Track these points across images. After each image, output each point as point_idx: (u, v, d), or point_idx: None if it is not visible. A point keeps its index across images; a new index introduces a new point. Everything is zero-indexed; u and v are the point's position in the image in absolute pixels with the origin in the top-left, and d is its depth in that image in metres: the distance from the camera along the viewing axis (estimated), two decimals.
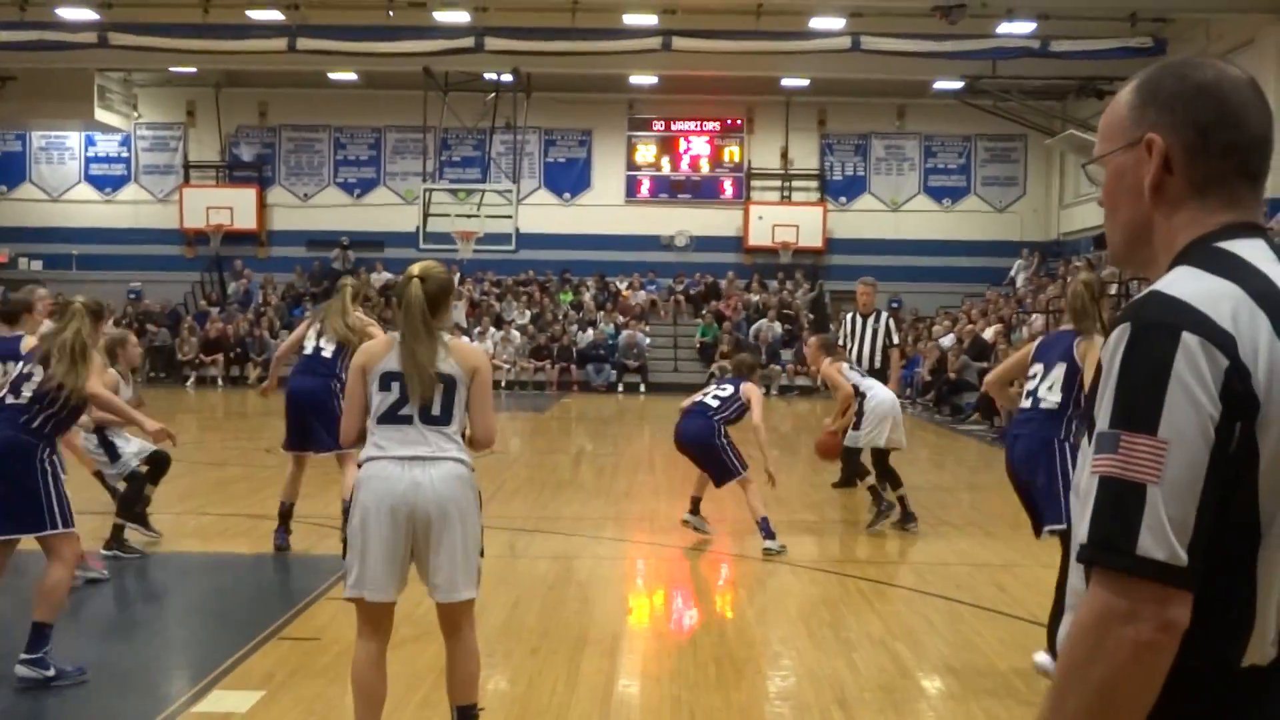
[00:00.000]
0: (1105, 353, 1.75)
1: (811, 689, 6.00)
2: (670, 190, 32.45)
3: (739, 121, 32.29)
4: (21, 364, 6.29)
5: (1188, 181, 1.83)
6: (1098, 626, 1.65)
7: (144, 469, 9.12)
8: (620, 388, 28.31)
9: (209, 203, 31.64)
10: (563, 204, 32.30)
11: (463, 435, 4.75)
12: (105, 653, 6.88)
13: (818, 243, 31.58)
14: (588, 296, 31.07)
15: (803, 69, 26.47)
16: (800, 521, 10.85)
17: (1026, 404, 6.48)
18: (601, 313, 30.36)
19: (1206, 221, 1.83)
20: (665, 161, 32.43)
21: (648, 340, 29.60)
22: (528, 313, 30.14)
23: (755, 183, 32.37)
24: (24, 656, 5.80)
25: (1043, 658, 6.11)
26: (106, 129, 31.02)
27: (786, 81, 29.19)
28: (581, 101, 31.23)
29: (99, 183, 32.56)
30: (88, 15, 22.13)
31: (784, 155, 32.32)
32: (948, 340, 25.14)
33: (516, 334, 29.04)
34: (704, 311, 30.52)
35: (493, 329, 28.57)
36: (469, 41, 21.82)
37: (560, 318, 30.01)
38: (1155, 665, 1.64)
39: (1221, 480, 1.65)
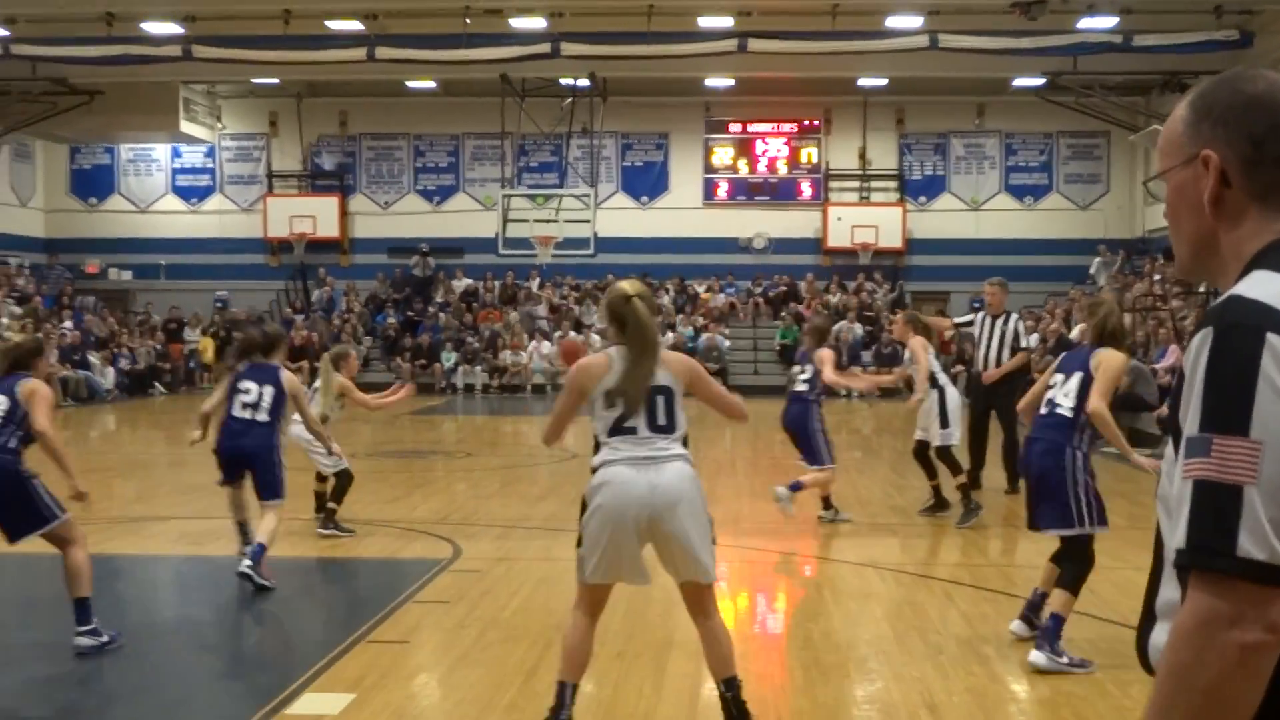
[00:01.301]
0: (1188, 359, 1.74)
1: (899, 692, 5.95)
2: (748, 192, 32.37)
3: (816, 122, 32.13)
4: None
5: (1247, 193, 1.84)
6: (1201, 631, 1.63)
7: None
8: None
9: (292, 212, 32.08)
10: (640, 207, 32.34)
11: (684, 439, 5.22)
12: (199, 654, 7.01)
13: (897, 243, 31.34)
14: (666, 299, 31.08)
15: (880, 68, 26.31)
16: (884, 524, 10.78)
17: (1044, 410, 6.72)
18: (680, 316, 30.36)
19: (1273, 229, 1.83)
20: (742, 164, 32.35)
21: (727, 343, 29.56)
22: None
23: (833, 184, 32.19)
24: (80, 629, 6.42)
25: (1017, 625, 6.80)
26: (192, 140, 31.54)
27: (864, 81, 29.01)
28: (658, 105, 31.25)
29: (185, 193, 33.16)
30: (173, 29, 22.57)
31: (862, 155, 32.11)
32: (1032, 340, 24.79)
33: (596, 338, 29.10)
34: (783, 314, 30.40)
35: (572, 333, 28.68)
36: (545, 47, 21.93)
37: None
38: (1262, 667, 1.62)
39: None
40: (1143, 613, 1.91)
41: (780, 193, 32.30)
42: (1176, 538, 1.68)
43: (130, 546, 9.94)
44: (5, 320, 25.70)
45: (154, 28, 22.65)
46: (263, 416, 8.33)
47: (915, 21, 21.97)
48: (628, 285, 5.18)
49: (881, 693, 6.00)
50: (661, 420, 5.06)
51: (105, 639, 6.47)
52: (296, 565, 9.44)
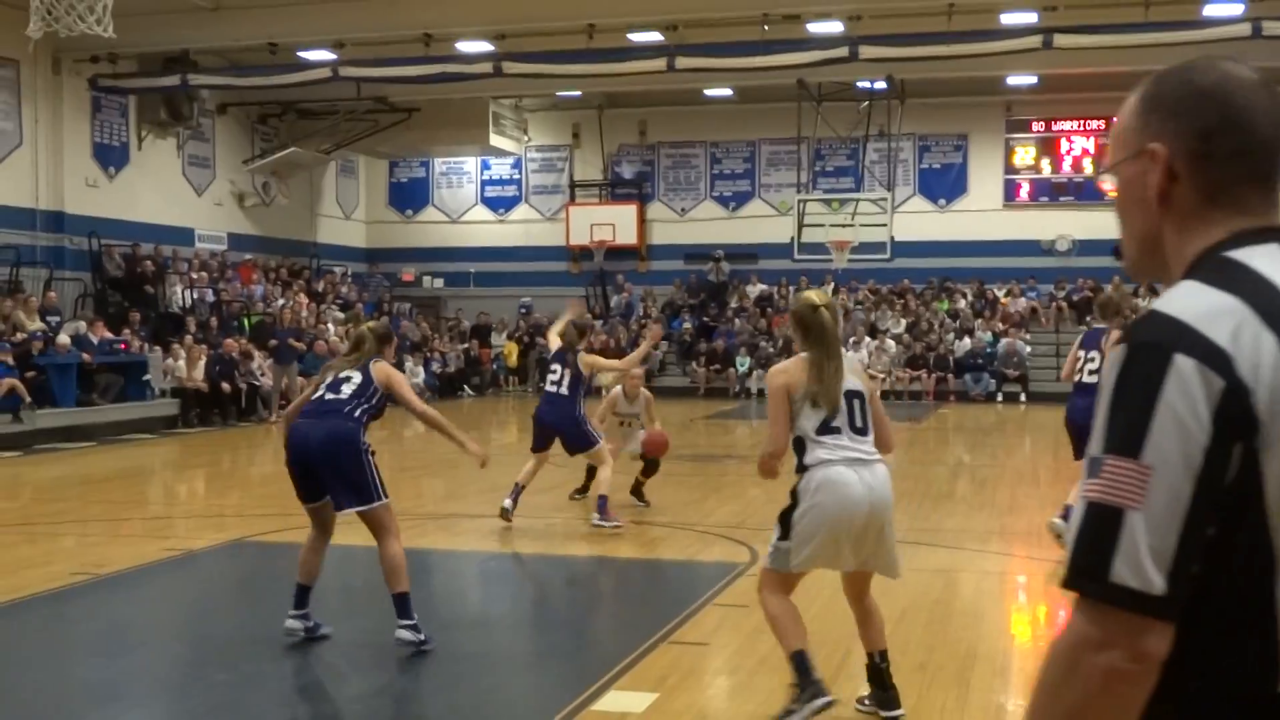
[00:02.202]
0: (1105, 374, 1.67)
1: None
2: (1051, 193, 31.23)
3: None
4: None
5: (1195, 189, 1.76)
6: (1071, 652, 1.60)
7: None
8: (999, 397, 27.47)
9: (593, 220, 32.87)
10: (938, 210, 31.68)
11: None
12: (507, 648, 7.26)
13: None
14: (964, 304, 30.34)
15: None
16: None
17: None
18: (979, 320, 29.57)
19: (1217, 230, 1.75)
20: (1045, 163, 31.23)
21: (1028, 349, 28.61)
22: (902, 321, 29.72)
23: None
24: (402, 623, 6.63)
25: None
26: (500, 153, 32.72)
27: None
28: (956, 105, 30.52)
29: (493, 204, 34.50)
30: (484, 47, 23.47)
31: None
32: None
33: (891, 343, 28.70)
34: (1088, 319, 29.18)
35: (867, 338, 28.34)
36: (843, 51, 21.69)
37: (936, 326, 29.42)
38: (1127, 695, 1.58)
39: (1216, 507, 1.56)
40: None
41: (1085, 193, 30.98)
42: (1066, 556, 1.64)
43: (442, 542, 10.41)
44: (331, 326, 27.36)
45: (467, 46, 23.63)
46: (563, 390, 10.64)
47: (1236, 9, 20.70)
48: (815, 295, 5.50)
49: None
50: (859, 423, 5.36)
51: (423, 637, 6.60)
52: (600, 564, 9.67)
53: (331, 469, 6.71)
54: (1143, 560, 1.55)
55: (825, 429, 5.29)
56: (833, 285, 31.07)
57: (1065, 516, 9.46)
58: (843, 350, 5.50)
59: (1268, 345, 1.58)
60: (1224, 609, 1.61)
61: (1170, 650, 1.58)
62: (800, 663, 5.29)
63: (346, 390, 6.90)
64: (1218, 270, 1.69)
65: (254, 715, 5.88)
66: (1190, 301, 1.65)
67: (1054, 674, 1.63)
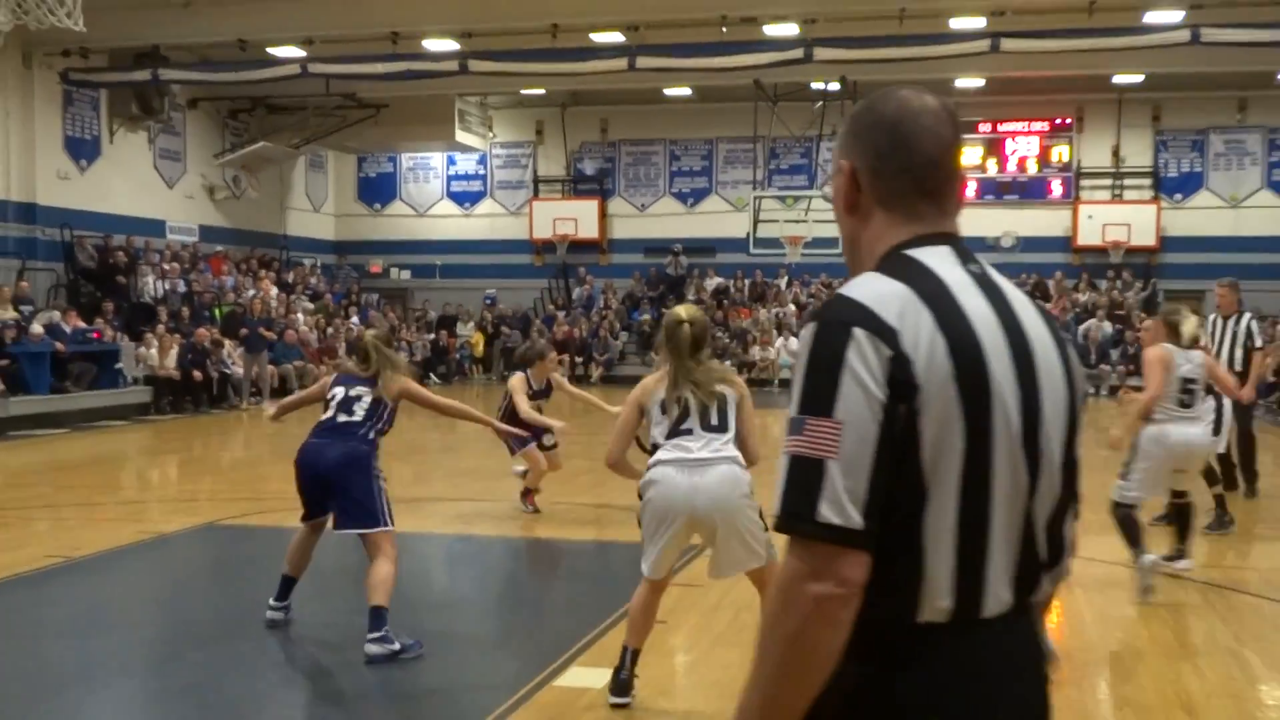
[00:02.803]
0: (798, 347, 1.91)
1: (1155, 693, 5.73)
2: (997, 191, 31.44)
3: (1068, 120, 30.97)
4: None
5: (874, 198, 2.01)
6: (788, 585, 1.78)
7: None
8: None
9: (555, 214, 32.90)
10: None
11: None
12: (474, 626, 7.29)
13: (1151, 241, 29.96)
14: None
15: (1137, 65, 25.12)
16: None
17: None
18: None
19: (896, 233, 1.99)
20: (991, 163, 31.44)
21: None
22: None
23: (1085, 182, 31.00)
24: (370, 636, 6.28)
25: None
26: (465, 149, 32.64)
27: (1119, 78, 27.76)
28: None
29: (459, 198, 34.40)
30: (450, 46, 23.38)
31: (1115, 153, 30.79)
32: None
33: None
34: None
35: None
36: (799, 53, 21.73)
37: None
38: (836, 617, 1.77)
39: (891, 453, 1.78)
40: None
41: (1030, 191, 31.29)
42: (774, 504, 1.82)
43: (409, 525, 10.40)
44: (300, 316, 27.22)
45: (433, 45, 23.52)
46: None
47: (1176, 16, 20.89)
48: (683, 310, 5.67)
49: (1136, 693, 5.78)
50: (714, 420, 5.47)
51: (396, 646, 6.30)
52: (557, 548, 9.71)
53: (341, 491, 6.61)
54: (842, 501, 1.77)
55: (675, 432, 5.45)
56: (787, 279, 31.28)
57: None
58: (715, 361, 5.80)
59: (926, 322, 1.83)
60: (886, 542, 1.80)
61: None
62: (623, 658, 5.54)
63: (359, 411, 6.78)
64: (894, 264, 1.94)
65: (227, 694, 5.88)
66: (868, 288, 1.88)
67: (775, 607, 1.81)
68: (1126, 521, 7.84)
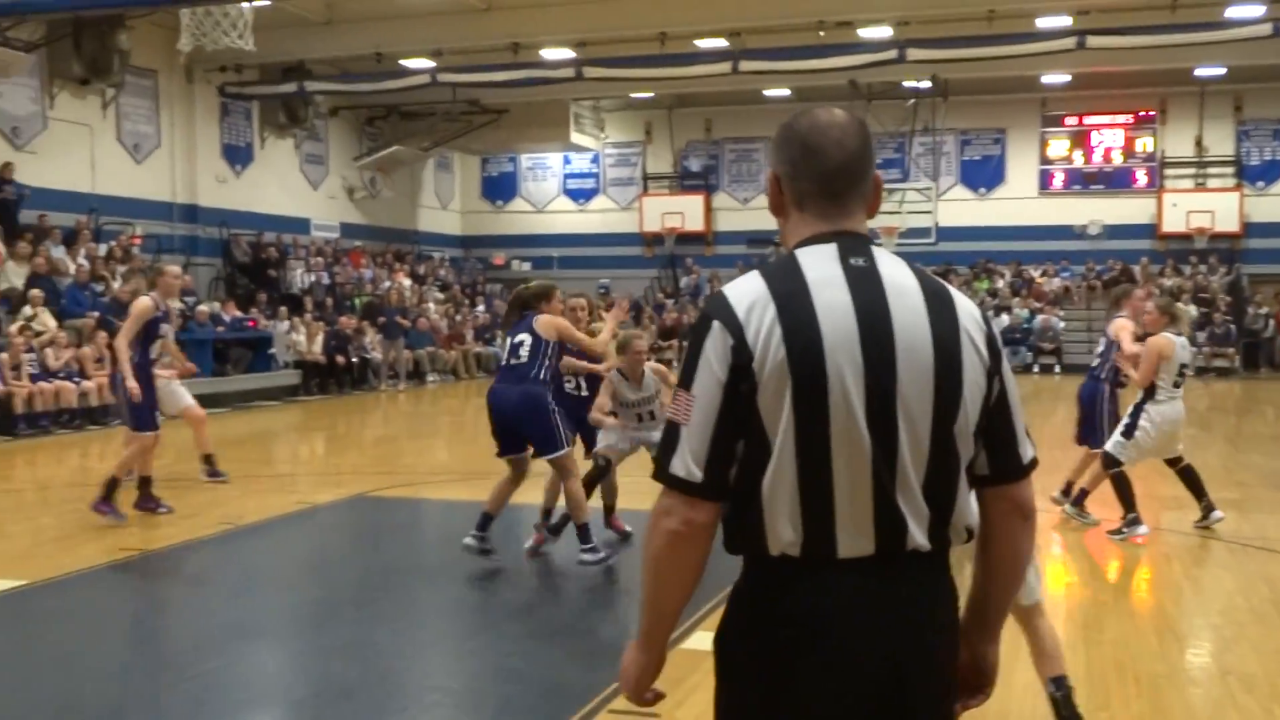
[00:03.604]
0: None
1: (1258, 663, 5.54)
2: (1083, 182, 30.73)
3: (1152, 113, 30.11)
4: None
5: (791, 200, 2.20)
6: (652, 520, 2.11)
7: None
8: (1035, 368, 27.17)
9: (664, 209, 32.89)
10: (979, 198, 31.29)
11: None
12: (593, 583, 7.32)
13: (1234, 227, 29.01)
14: (1002, 283, 29.98)
15: (1219, 58, 24.34)
16: (1224, 499, 10.02)
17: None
18: (1016, 299, 29.22)
19: (803, 230, 2.17)
20: (1078, 155, 30.73)
21: (1062, 324, 28.23)
22: None
23: (1168, 171, 30.10)
24: (582, 548, 7.19)
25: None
26: (580, 149, 32.73)
27: (1201, 71, 26.92)
28: (996, 102, 30.10)
29: (574, 195, 34.55)
30: (566, 54, 23.47)
31: (1198, 143, 29.85)
32: None
33: None
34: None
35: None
36: (892, 54, 21.43)
37: (977, 304, 29.01)
38: (682, 549, 2.09)
39: (733, 422, 2.03)
40: None
41: (1115, 181, 30.51)
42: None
43: (533, 496, 10.49)
44: (431, 305, 27.60)
45: (551, 54, 23.63)
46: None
47: (1258, 10, 20.16)
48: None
49: (1238, 662, 5.59)
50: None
51: (602, 555, 7.15)
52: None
53: (526, 426, 7.21)
54: (687, 459, 2.05)
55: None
56: None
57: (1066, 492, 9.37)
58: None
59: (769, 316, 2.02)
60: (741, 492, 2.06)
61: (717, 519, 2.09)
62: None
63: (524, 353, 7.22)
64: (778, 264, 2.14)
65: (381, 646, 5.99)
66: (736, 287, 2.10)
67: (648, 530, 2.12)
68: (1122, 480, 8.35)
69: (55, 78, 20.81)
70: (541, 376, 7.24)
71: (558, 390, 7.81)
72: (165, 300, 9.56)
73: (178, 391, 10.40)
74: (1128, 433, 8.33)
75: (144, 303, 9.22)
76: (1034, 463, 2.24)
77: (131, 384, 8.95)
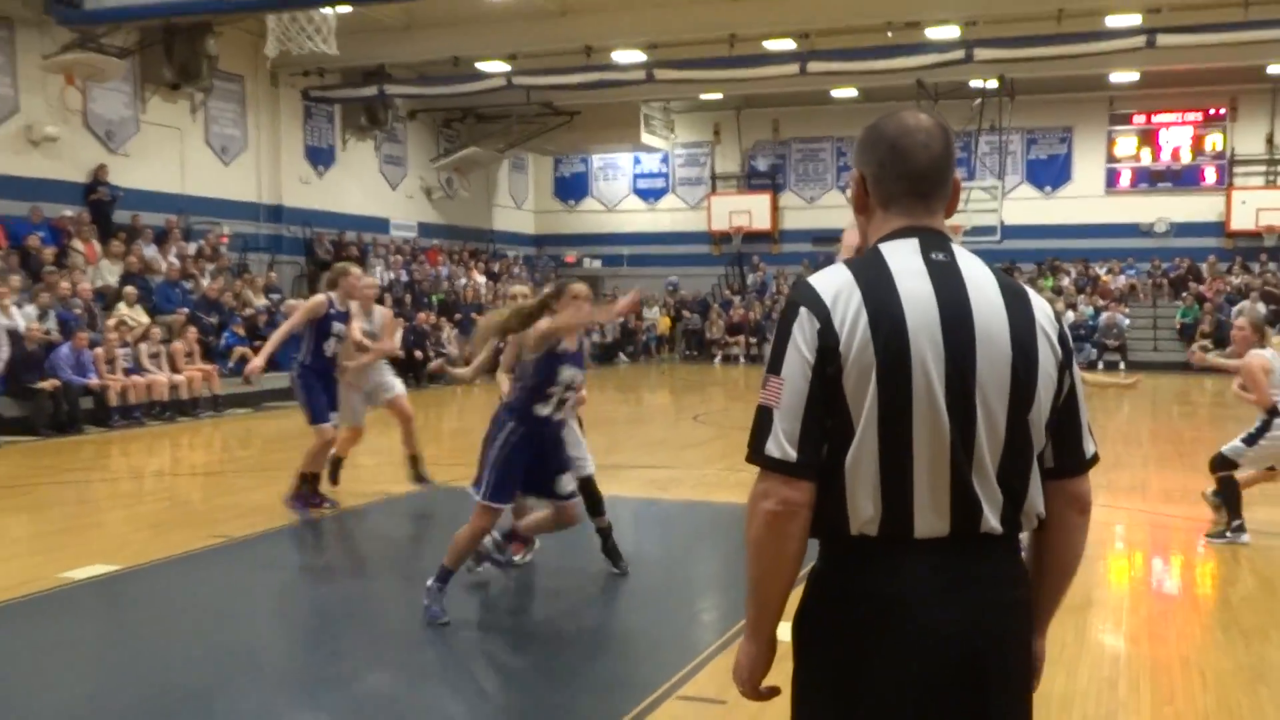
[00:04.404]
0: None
1: None
2: (1150, 180, 30.17)
3: (1222, 110, 29.47)
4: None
5: (877, 199, 2.25)
6: (751, 502, 2.12)
7: None
8: (1100, 365, 26.71)
9: (731, 208, 32.83)
10: (1044, 197, 30.84)
11: None
12: (666, 582, 7.33)
13: None
14: (1068, 281, 29.51)
15: None
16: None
17: None
18: (1081, 296, 28.75)
19: (888, 227, 2.22)
20: (1145, 153, 30.18)
21: (1127, 321, 27.71)
22: None
23: (1238, 169, 29.44)
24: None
25: None
26: (649, 150, 32.78)
27: (1274, 68, 26.28)
28: (1062, 101, 29.65)
29: (644, 195, 34.60)
30: (637, 57, 23.51)
31: (1269, 141, 29.16)
32: None
33: None
34: (1184, 294, 28.17)
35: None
36: (959, 54, 21.17)
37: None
38: (782, 528, 2.08)
39: (821, 403, 2.06)
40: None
41: (1183, 179, 29.91)
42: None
43: (607, 489, 10.53)
44: (505, 302, 27.75)
45: (622, 56, 23.68)
46: None
47: None
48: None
49: None
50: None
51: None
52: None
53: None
54: (781, 440, 2.07)
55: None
56: None
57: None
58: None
59: (854, 302, 2.07)
60: (826, 472, 2.09)
61: (813, 498, 2.08)
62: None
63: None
64: (864, 257, 2.19)
65: (461, 634, 6.04)
66: (822, 276, 2.15)
67: (747, 516, 2.12)
68: (1231, 485, 8.07)
69: (147, 83, 21.26)
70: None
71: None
72: (345, 302, 9.18)
73: (384, 383, 10.06)
74: (1251, 440, 8.07)
75: (316, 300, 9.06)
76: (1095, 458, 2.28)
77: (256, 362, 9.00)
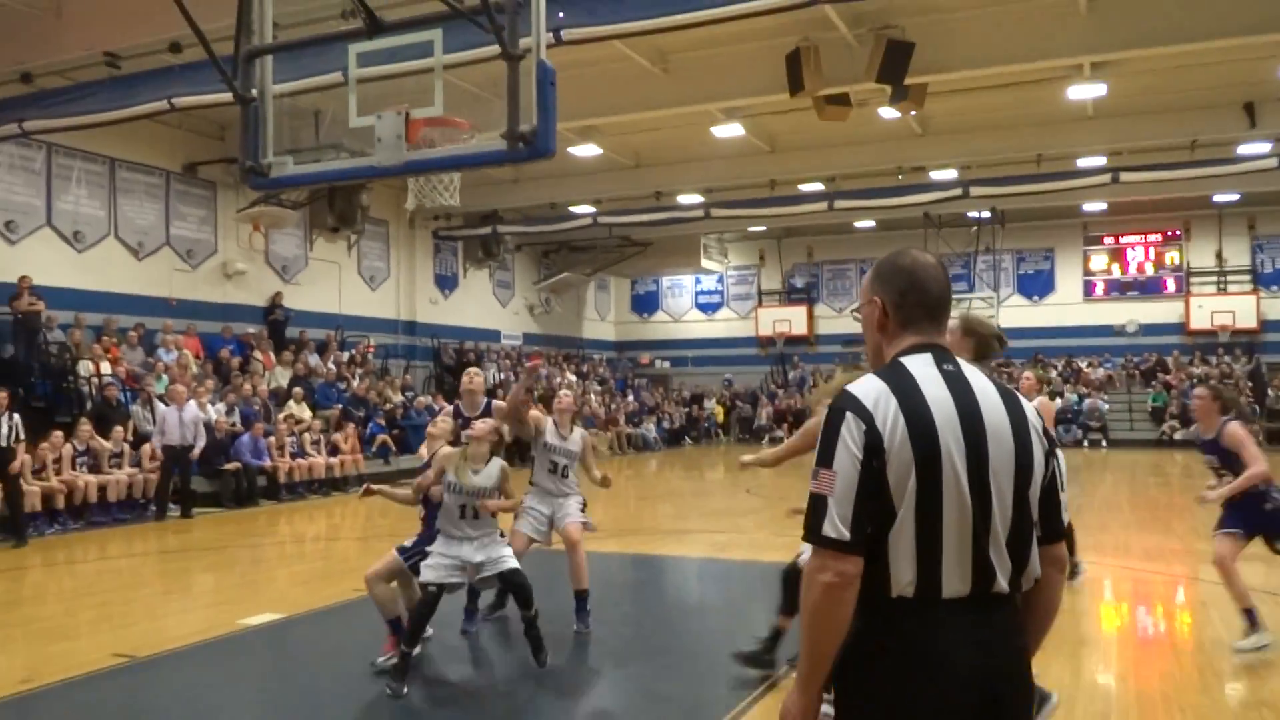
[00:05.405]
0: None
1: None
2: (1120, 289, 29.64)
3: (1177, 232, 28.99)
4: None
5: (896, 322, 2.24)
6: (808, 576, 2.06)
7: None
8: (1085, 443, 26.01)
9: (775, 318, 32.80)
10: (1033, 304, 30.40)
11: None
12: (721, 634, 7.16)
13: (1253, 324, 27.57)
14: (1054, 373, 28.92)
15: (1233, 187, 23.36)
16: (1254, 553, 9.37)
17: None
18: (1067, 385, 28.14)
19: (904, 344, 2.21)
20: (1115, 267, 29.71)
21: (1106, 406, 27.03)
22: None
23: (1194, 279, 28.83)
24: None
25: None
26: (708, 272, 32.93)
27: (1219, 197, 25.86)
28: (1045, 227, 29.37)
29: (704, 308, 34.73)
30: (697, 199, 23.82)
31: (1219, 255, 28.57)
32: None
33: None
34: (1154, 382, 27.46)
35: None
36: (958, 191, 21.19)
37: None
38: (837, 598, 2.03)
39: (868, 491, 2.03)
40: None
41: (1148, 288, 29.35)
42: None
43: (673, 550, 10.41)
44: (592, 395, 27.83)
45: (685, 199, 24.01)
46: None
47: (1264, 148, 19.35)
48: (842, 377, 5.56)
49: (1273, 696, 5.20)
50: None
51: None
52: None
53: None
54: (836, 522, 2.03)
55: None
56: None
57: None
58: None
59: (893, 406, 2.07)
60: (871, 546, 2.05)
61: (861, 570, 2.03)
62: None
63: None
64: (890, 368, 2.18)
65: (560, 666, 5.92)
66: (861, 385, 2.13)
67: (804, 588, 2.07)
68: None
69: (314, 228, 21.97)
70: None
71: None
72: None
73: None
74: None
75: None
76: (1069, 528, 2.33)
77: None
